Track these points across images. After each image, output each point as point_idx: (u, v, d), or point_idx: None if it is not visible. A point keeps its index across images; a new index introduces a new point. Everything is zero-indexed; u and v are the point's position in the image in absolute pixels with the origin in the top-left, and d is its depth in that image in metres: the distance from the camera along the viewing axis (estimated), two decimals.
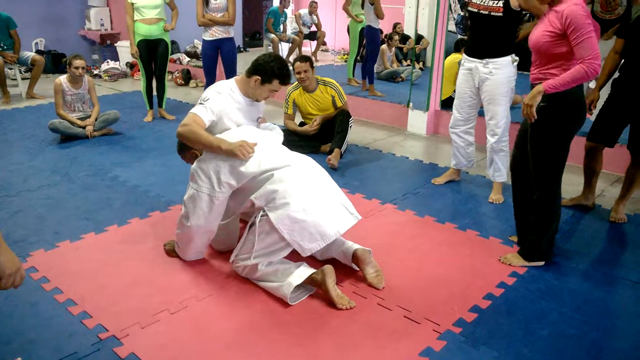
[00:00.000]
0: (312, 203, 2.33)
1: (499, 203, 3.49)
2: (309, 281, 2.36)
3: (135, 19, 5.22)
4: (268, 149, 2.46)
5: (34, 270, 2.60)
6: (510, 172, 2.82)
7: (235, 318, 2.26)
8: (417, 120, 5.27)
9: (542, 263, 2.72)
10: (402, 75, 7.61)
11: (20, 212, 3.26)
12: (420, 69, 7.96)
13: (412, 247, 2.90)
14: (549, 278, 2.62)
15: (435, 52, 5.03)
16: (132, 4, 5.18)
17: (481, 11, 3.27)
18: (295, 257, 2.46)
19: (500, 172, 3.52)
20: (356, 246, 2.56)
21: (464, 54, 3.51)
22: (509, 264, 2.71)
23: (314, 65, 4.53)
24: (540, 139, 2.55)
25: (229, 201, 2.48)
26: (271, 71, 2.61)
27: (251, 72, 2.65)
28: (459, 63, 3.57)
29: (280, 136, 2.83)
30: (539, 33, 2.51)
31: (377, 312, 2.30)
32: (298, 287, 2.34)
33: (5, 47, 6.23)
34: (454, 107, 3.65)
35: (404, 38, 8.49)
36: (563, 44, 2.42)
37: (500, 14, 3.21)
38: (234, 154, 2.36)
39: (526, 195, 2.73)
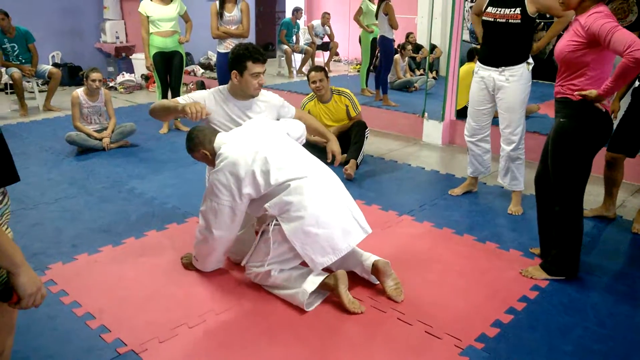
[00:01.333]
0: (326, 217, 2.32)
1: (519, 214, 3.44)
2: (322, 286, 2.38)
3: (150, 31, 5.27)
4: (287, 158, 2.42)
5: (53, 284, 2.61)
6: (534, 185, 2.78)
7: (253, 331, 2.24)
8: (433, 130, 5.24)
9: (564, 276, 2.67)
10: (415, 84, 7.59)
11: (38, 224, 3.28)
12: (434, 78, 7.94)
13: (430, 259, 2.86)
14: (572, 292, 2.57)
15: (450, 62, 5.01)
16: (148, 17, 5.23)
17: (497, 20, 3.24)
18: None
19: (517, 180, 3.47)
20: (375, 258, 2.53)
21: (477, 62, 3.48)
22: (531, 277, 2.67)
23: (328, 75, 4.53)
24: (562, 155, 2.51)
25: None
26: (240, 57, 2.61)
27: (229, 71, 2.69)
28: (474, 72, 3.55)
29: (299, 130, 2.81)
30: (564, 43, 2.49)
31: (397, 327, 2.27)
32: (312, 292, 2.35)
33: (23, 61, 6.32)
34: (468, 115, 3.62)
35: (417, 47, 8.49)
36: (587, 53, 2.39)
37: (519, 21, 3.18)
38: (184, 112, 2.49)
39: (551, 209, 2.69)
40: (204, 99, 2.74)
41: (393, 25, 6.34)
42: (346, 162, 4.18)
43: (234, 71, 2.65)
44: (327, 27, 9.61)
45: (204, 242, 2.53)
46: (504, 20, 3.22)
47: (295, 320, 2.32)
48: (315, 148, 4.48)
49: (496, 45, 3.32)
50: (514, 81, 3.28)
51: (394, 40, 6.69)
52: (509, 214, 3.46)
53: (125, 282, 2.63)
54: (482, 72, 3.42)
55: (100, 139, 4.80)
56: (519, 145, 3.40)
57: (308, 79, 4.44)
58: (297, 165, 2.41)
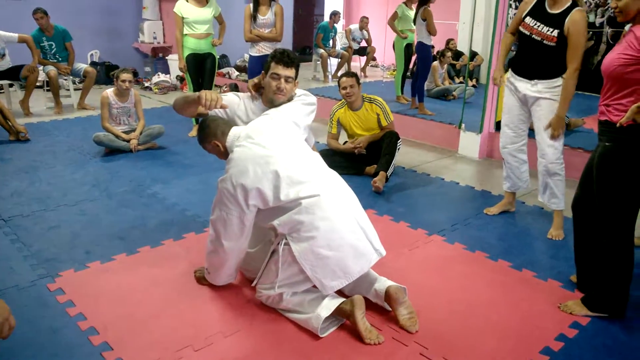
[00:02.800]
0: (338, 238, 2.16)
1: (559, 239, 3.17)
2: (337, 312, 2.21)
3: (185, 33, 5.21)
4: (299, 172, 2.23)
5: (61, 293, 2.51)
6: (572, 211, 2.53)
7: (261, 358, 2.08)
8: (470, 143, 4.99)
9: (607, 314, 2.41)
10: (454, 93, 7.32)
11: (55, 228, 3.21)
12: (474, 86, 7.65)
13: (460, 287, 2.64)
14: (617, 332, 2.31)
15: (491, 70, 4.75)
16: (183, 18, 5.17)
17: (533, 36, 3.03)
18: None
19: (557, 198, 3.19)
20: (389, 283, 2.33)
21: (510, 70, 3.27)
22: (570, 313, 2.42)
23: (361, 81, 4.36)
24: (609, 183, 2.26)
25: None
26: (269, 59, 2.52)
27: None
28: (507, 78, 3.32)
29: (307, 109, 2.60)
30: (613, 56, 2.24)
31: None
32: (327, 317, 2.19)
33: (60, 59, 6.37)
34: (502, 124, 3.39)
35: (457, 54, 8.21)
36: (639, 70, 2.15)
37: (554, 44, 2.96)
38: (199, 98, 2.33)
39: (590, 237, 2.44)
40: (237, 99, 2.63)
41: (431, 31, 6.11)
42: (375, 174, 4.00)
43: (262, 72, 2.58)
44: (365, 32, 9.43)
45: (215, 254, 2.40)
46: (539, 39, 3.01)
47: (307, 348, 2.15)
48: (344, 156, 4.32)
49: (529, 59, 3.12)
50: (547, 94, 3.06)
51: (433, 47, 6.46)
52: (549, 238, 3.20)
53: (135, 295, 2.51)
54: (514, 81, 3.22)
55: (128, 140, 4.75)
56: (557, 159, 3.13)
57: (339, 85, 4.29)
58: (310, 182, 2.22)
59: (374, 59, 10.22)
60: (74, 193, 3.78)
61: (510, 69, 3.28)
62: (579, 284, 2.63)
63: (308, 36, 11.02)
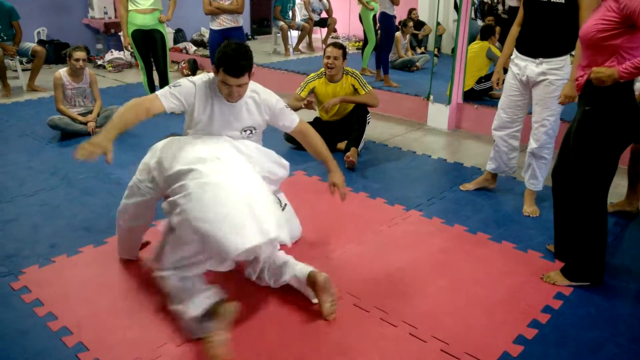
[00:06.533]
0: (214, 212, 1.95)
1: (536, 215, 3.14)
2: (209, 314, 2.00)
3: (129, 9, 4.93)
4: (200, 151, 2.24)
5: (27, 291, 2.35)
6: (552, 179, 2.53)
7: None
8: (438, 114, 4.96)
9: (588, 282, 2.44)
10: (417, 63, 7.28)
11: (14, 221, 3.01)
12: (436, 55, 7.62)
13: (443, 262, 2.62)
14: (599, 301, 2.33)
15: (458, 41, 4.70)
16: None
17: None
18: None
19: (536, 180, 3.16)
20: (310, 268, 2.22)
21: (515, 51, 3.10)
22: (553, 283, 2.43)
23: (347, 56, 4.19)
24: (587, 148, 2.26)
25: None
26: (219, 58, 2.20)
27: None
28: (511, 58, 3.16)
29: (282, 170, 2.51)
30: (591, 22, 2.21)
31: (409, 345, 2.03)
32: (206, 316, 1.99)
33: (5, 38, 5.96)
34: (499, 106, 3.25)
35: (418, 24, 8.13)
36: (618, 35, 2.13)
37: (563, 1, 2.80)
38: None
39: (569, 206, 2.44)
40: (193, 89, 2.34)
41: (394, 1, 6.00)
42: (346, 150, 3.91)
43: (213, 66, 2.27)
44: (325, 2, 9.22)
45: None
46: (546, 0, 2.85)
47: (270, 346, 2.04)
48: None
49: (536, 30, 2.93)
50: (551, 75, 2.91)
51: (395, 17, 6.35)
52: (525, 215, 3.17)
53: (106, 289, 2.37)
54: (518, 62, 3.05)
55: (85, 123, 4.50)
56: (547, 144, 3.06)
57: (324, 53, 4.13)
58: (196, 155, 2.20)
59: (335, 30, 10.04)
60: (31, 182, 3.55)
61: (515, 49, 3.10)
62: (557, 252, 2.64)
63: (266, 8, 10.69)
